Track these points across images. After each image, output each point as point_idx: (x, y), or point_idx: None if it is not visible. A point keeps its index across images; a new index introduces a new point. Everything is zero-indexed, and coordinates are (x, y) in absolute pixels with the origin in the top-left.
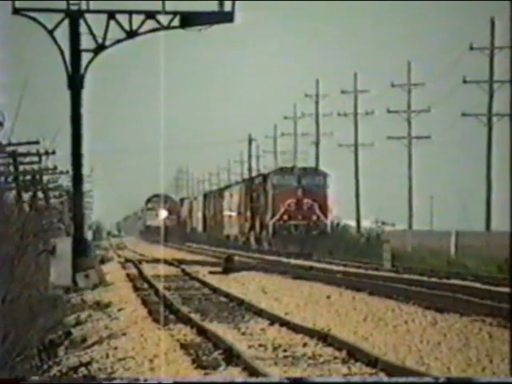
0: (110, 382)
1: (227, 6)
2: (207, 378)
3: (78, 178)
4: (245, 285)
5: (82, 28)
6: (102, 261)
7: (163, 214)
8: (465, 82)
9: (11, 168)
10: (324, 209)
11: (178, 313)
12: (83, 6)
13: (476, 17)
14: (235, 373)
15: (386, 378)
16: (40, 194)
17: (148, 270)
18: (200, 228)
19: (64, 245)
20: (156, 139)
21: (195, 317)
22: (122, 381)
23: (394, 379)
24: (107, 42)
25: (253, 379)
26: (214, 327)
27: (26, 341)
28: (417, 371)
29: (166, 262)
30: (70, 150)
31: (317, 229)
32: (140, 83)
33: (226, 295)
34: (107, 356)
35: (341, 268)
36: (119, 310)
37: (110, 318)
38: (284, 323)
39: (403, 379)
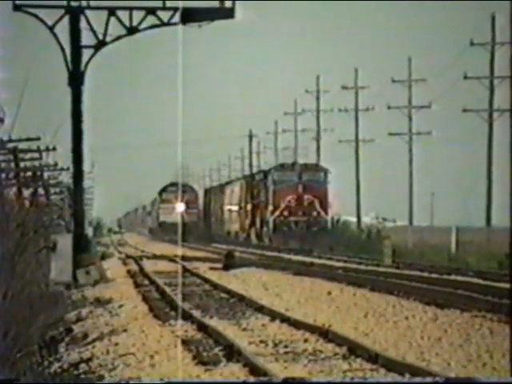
0: (101, 382)
1: (228, 2)
2: (198, 379)
3: (78, 175)
4: (245, 281)
5: (83, 24)
6: (103, 257)
7: (181, 207)
8: (466, 77)
9: (12, 164)
10: (324, 205)
11: (178, 309)
12: (83, 3)
13: (477, 12)
14: (236, 369)
15: (382, 379)
16: (41, 191)
17: (149, 265)
18: (201, 224)
19: (65, 241)
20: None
21: (196, 313)
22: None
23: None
24: (108, 39)
25: (244, 379)
26: (215, 323)
27: (27, 337)
28: (417, 367)
29: (164, 257)
30: (70, 147)
31: (317, 225)
32: (140, 80)
33: (227, 291)
34: (108, 352)
35: (341, 264)
36: (120, 306)
37: (110, 315)
38: (285, 319)
39: (400, 379)
